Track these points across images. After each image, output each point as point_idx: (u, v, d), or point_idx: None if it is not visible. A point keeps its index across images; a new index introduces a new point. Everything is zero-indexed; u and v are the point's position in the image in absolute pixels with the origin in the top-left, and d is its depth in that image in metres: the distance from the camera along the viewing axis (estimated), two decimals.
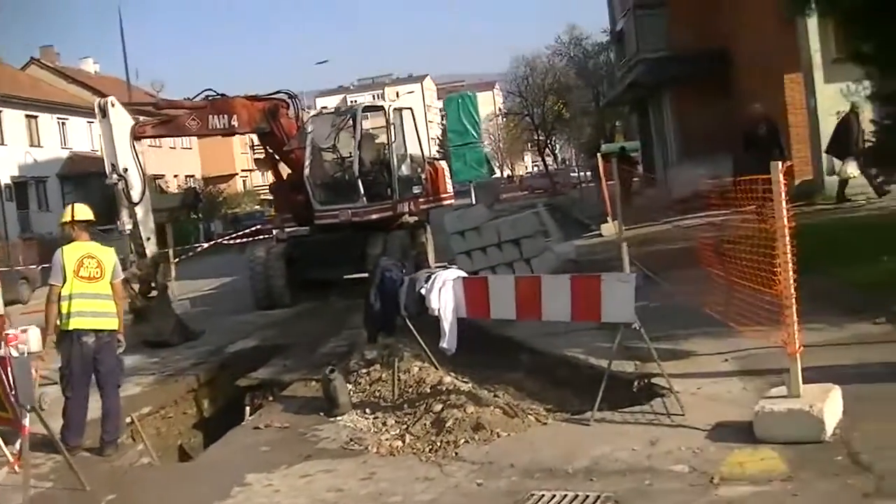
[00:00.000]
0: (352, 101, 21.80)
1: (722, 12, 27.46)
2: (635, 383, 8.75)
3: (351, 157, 19.21)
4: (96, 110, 15.83)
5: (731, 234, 8.72)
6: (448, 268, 10.76)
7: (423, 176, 20.97)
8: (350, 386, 10.46)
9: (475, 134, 23.57)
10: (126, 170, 15.63)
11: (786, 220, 6.57)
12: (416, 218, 20.60)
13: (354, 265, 18.88)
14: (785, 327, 6.67)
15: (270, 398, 11.75)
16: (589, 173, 55.47)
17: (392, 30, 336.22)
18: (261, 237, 24.16)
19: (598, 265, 15.39)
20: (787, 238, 6.60)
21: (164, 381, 13.18)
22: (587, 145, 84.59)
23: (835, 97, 20.12)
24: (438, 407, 8.67)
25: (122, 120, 15.83)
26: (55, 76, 63.59)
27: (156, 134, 17.60)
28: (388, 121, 19.71)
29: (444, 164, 23.67)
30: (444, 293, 8.83)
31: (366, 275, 18.62)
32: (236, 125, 17.91)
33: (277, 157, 19.70)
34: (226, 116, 17.67)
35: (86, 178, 55.57)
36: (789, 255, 6.59)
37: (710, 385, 8.27)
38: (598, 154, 21.11)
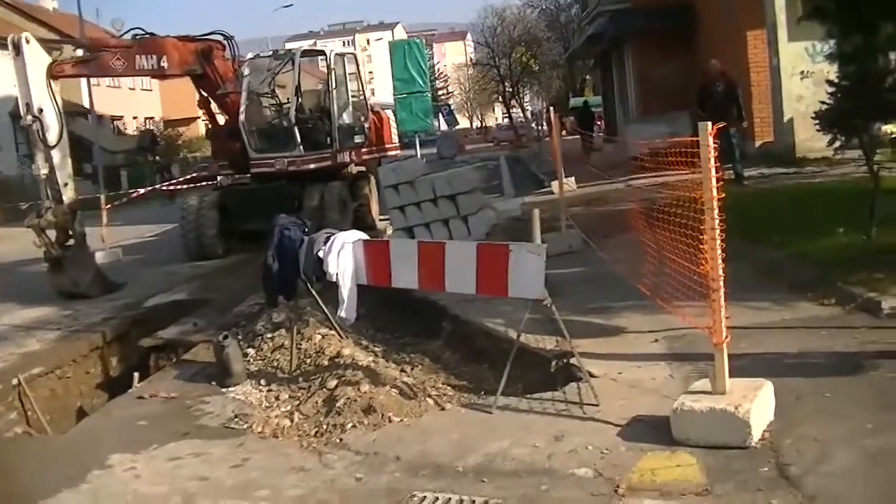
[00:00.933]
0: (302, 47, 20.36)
1: None
2: (553, 363, 7.89)
3: (289, 103, 18.21)
4: (10, 47, 14.70)
5: (660, 200, 7.79)
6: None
7: (367, 125, 19.98)
8: (252, 351, 9.63)
9: (422, 83, 22.36)
10: (41, 110, 14.58)
11: (714, 191, 5.64)
12: (360, 169, 19.61)
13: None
14: (711, 313, 5.79)
15: (174, 360, 10.91)
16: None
17: None
18: (202, 184, 22.94)
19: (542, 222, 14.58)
20: (716, 212, 5.68)
21: (66, 338, 12.23)
22: (556, 99, 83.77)
23: (799, 56, 19.30)
24: (333, 383, 7.84)
25: (37, 57, 14.72)
26: (8, 10, 61.52)
27: (76, 73, 16.45)
28: (329, 66, 18.70)
29: (389, 112, 22.73)
30: (342, 257, 7.93)
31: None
32: (166, 66, 16.82)
33: (212, 102, 18.61)
34: (154, 57, 16.59)
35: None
36: (717, 232, 5.69)
37: (633, 369, 7.42)
38: (550, 108, 20.15)
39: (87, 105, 57.05)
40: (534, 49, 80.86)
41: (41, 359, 11.20)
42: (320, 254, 8.09)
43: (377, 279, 7.85)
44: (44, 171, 14.86)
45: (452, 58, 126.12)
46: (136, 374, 10.60)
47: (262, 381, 8.73)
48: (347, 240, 7.98)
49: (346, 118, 19.40)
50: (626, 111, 32.44)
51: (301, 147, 17.94)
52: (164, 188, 24.99)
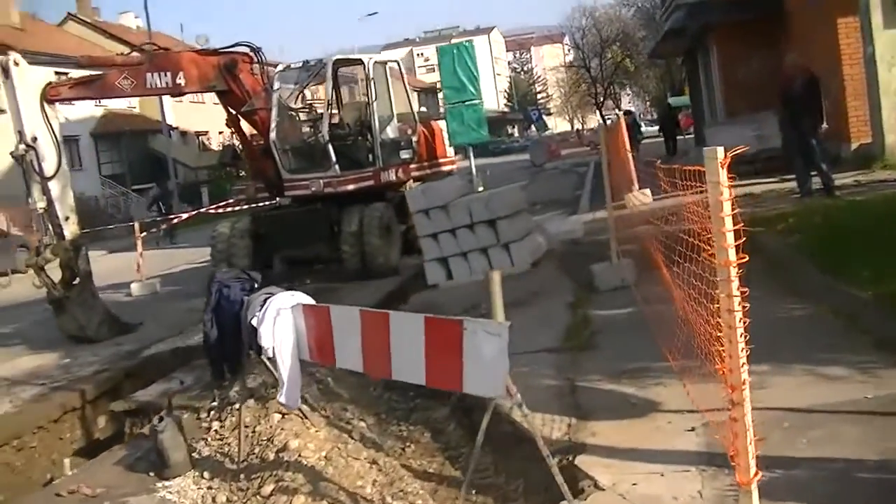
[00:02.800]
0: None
1: None
2: (554, 461, 5.98)
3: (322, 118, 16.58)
4: None
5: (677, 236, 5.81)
6: None
7: (415, 139, 18.19)
8: (216, 426, 7.93)
9: (473, 90, 20.35)
10: (35, 139, 13.22)
11: (732, 251, 3.68)
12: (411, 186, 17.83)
13: (328, 244, 16.41)
14: (732, 438, 3.84)
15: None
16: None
17: None
18: (248, 205, 21.26)
19: (600, 248, 12.56)
20: (735, 284, 3.73)
21: (42, 398, 10.79)
22: (655, 99, 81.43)
23: None
24: (269, 488, 6.10)
25: (28, 80, 13.36)
26: (93, 32, 61.54)
27: (75, 96, 14.94)
28: (367, 77, 16.96)
29: (442, 124, 20.89)
30: (279, 327, 6.14)
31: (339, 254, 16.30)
32: (183, 83, 15.32)
33: (241, 119, 17.03)
34: (169, 74, 15.11)
35: (121, 136, 53.92)
36: (738, 316, 3.73)
37: (654, 478, 5.41)
38: (621, 112, 18.11)
39: (169, 121, 56.83)
40: (629, 49, 78.36)
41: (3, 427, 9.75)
42: (254, 321, 6.31)
43: (321, 356, 6.06)
44: (41, 204, 13.60)
45: (550, 61, 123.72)
46: (66, 461, 8.99)
47: (206, 474, 7.05)
48: (284, 305, 6.18)
49: (391, 132, 17.63)
50: (714, 111, 30.01)
51: (337, 166, 16.26)
52: (212, 210, 23.57)
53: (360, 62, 17.49)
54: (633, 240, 12.28)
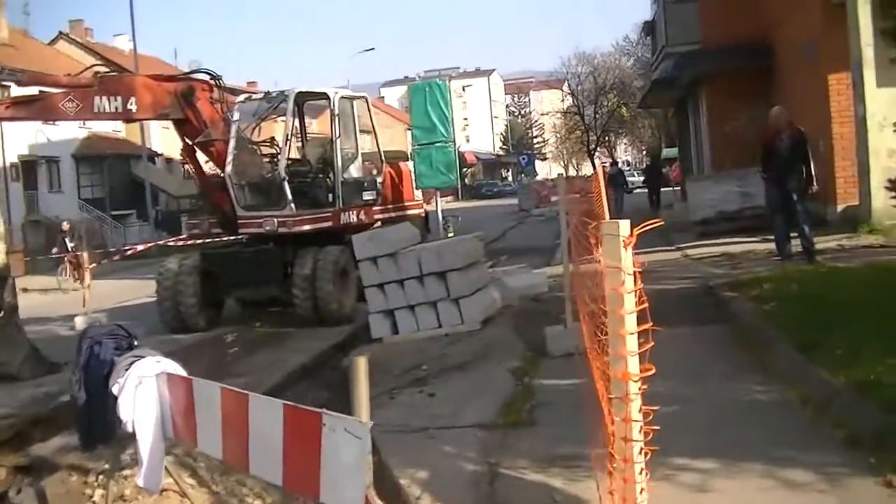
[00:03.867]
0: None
1: None
2: None
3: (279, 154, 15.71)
4: None
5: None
6: None
7: (380, 179, 17.31)
8: (98, 496, 6.96)
9: (444, 131, 19.39)
10: None
11: (634, 363, 2.76)
12: (378, 226, 16.91)
13: (280, 287, 15.52)
14: None
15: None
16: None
17: (461, 25, 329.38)
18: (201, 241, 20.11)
19: (562, 306, 11.57)
20: (637, 412, 2.80)
21: None
22: (651, 149, 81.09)
23: (890, 104, 16.08)
24: None
25: None
26: (84, 52, 60.73)
27: (10, 116, 13.95)
28: (332, 112, 16.11)
29: (410, 165, 19.98)
30: (141, 397, 5.19)
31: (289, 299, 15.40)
32: (134, 109, 14.53)
33: (196, 150, 16.14)
34: (119, 98, 14.30)
35: (103, 159, 53.07)
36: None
37: None
38: (599, 164, 17.23)
39: (155, 147, 56.01)
40: (626, 98, 77.97)
41: None
42: (115, 388, 5.36)
43: (184, 434, 5.10)
44: None
45: (549, 106, 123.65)
46: None
47: None
48: (147, 373, 5.23)
49: (354, 171, 16.77)
50: (701, 165, 29.23)
51: (293, 205, 15.40)
52: (170, 243, 22.58)
53: (325, 96, 16.60)
54: (596, 299, 11.34)
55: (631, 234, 3.07)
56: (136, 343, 6.10)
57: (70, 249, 28.86)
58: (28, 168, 48.42)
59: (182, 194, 55.58)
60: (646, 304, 3.51)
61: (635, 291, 3.28)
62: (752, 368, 8.59)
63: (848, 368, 7.40)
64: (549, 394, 8.55)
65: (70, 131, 51.51)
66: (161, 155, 57.20)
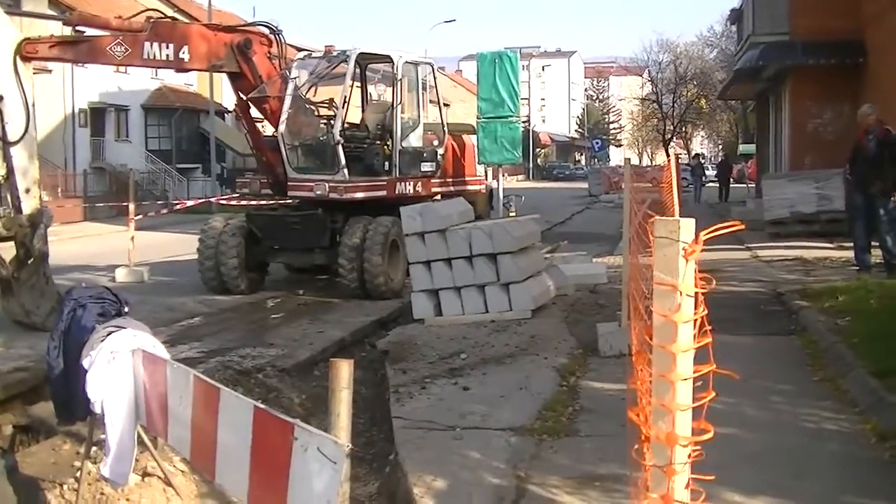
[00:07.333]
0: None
1: None
2: None
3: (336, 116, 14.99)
4: None
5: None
6: None
7: (441, 151, 16.53)
8: (89, 468, 6.31)
9: (511, 106, 18.49)
10: (2, 98, 11.69)
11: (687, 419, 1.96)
12: (437, 199, 16.15)
13: (326, 255, 14.88)
14: None
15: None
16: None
17: (545, 3, 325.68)
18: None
19: (619, 300, 10.76)
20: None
21: None
22: (727, 144, 79.61)
23: None
24: None
25: (1, 30, 11.84)
26: (163, 4, 60.57)
27: (55, 56, 13.20)
28: (395, 76, 15.35)
29: (474, 139, 19.14)
30: (112, 375, 4.50)
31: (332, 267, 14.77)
32: (186, 59, 13.73)
33: (251, 106, 15.46)
34: (171, 46, 13.51)
35: (173, 112, 52.88)
36: None
37: None
38: (673, 153, 16.34)
39: (226, 104, 55.69)
40: (706, 89, 76.20)
41: None
42: (86, 362, 4.67)
43: (156, 423, 4.39)
44: (0, 171, 12.02)
45: (628, 92, 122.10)
46: None
47: None
48: (121, 347, 4.52)
49: (414, 140, 16.00)
50: (778, 163, 27.99)
51: (345, 171, 14.65)
52: (220, 201, 22.00)
53: (388, 59, 15.83)
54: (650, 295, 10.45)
55: (696, 240, 2.25)
56: (125, 311, 5.43)
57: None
58: (96, 115, 48.33)
59: (248, 153, 55.25)
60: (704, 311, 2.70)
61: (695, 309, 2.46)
62: (820, 391, 7.77)
63: None
64: (594, 399, 7.75)
65: (142, 81, 51.41)
66: (231, 112, 56.88)
